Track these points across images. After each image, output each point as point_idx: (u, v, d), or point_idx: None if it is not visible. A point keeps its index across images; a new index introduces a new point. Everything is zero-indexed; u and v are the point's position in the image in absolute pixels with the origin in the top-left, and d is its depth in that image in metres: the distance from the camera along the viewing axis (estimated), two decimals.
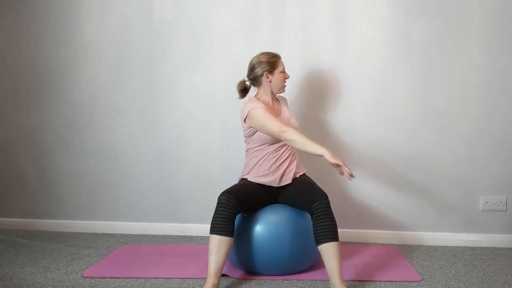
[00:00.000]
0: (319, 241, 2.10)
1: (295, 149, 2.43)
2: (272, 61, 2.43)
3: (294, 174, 2.42)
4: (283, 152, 2.40)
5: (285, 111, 2.51)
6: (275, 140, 2.33)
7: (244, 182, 2.40)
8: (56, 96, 3.23)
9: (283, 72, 2.46)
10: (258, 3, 2.99)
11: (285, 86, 2.50)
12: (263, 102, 2.43)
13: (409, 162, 2.89)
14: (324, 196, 2.16)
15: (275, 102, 2.52)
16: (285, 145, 2.38)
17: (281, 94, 2.57)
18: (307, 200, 2.19)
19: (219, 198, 2.18)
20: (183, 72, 3.09)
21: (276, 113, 2.44)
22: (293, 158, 2.44)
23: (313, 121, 2.95)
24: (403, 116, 2.88)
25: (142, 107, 3.14)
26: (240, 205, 2.18)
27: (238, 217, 2.29)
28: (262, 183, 2.38)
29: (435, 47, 2.83)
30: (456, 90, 2.83)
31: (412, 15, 2.84)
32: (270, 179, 2.38)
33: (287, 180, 2.40)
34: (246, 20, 3.01)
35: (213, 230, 2.13)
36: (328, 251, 2.07)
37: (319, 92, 2.96)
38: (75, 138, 3.22)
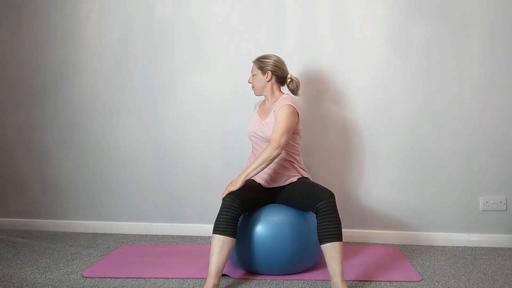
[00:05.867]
0: (322, 240, 2.09)
1: (291, 156, 2.43)
2: None
3: (290, 178, 2.41)
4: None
5: (270, 116, 2.43)
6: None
7: (247, 181, 2.40)
8: (56, 96, 3.22)
9: None
10: (258, 3, 2.99)
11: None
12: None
13: (409, 162, 2.89)
14: (330, 195, 2.15)
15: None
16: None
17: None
18: (312, 199, 2.17)
19: (224, 199, 2.19)
20: (183, 72, 3.09)
21: (266, 113, 2.46)
22: (283, 164, 2.41)
23: (313, 121, 2.95)
24: (403, 116, 2.88)
25: (142, 107, 3.14)
26: (243, 206, 2.19)
27: None
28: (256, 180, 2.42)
29: (435, 47, 2.83)
30: (456, 89, 2.83)
31: (412, 15, 2.84)
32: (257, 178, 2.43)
33: (276, 183, 2.41)
34: (246, 20, 3.01)
35: (216, 230, 2.13)
36: (331, 251, 2.07)
37: (319, 92, 2.96)
38: (75, 138, 3.22)
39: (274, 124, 2.32)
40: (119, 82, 3.15)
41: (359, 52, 2.91)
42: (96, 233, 3.18)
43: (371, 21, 2.89)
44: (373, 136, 2.91)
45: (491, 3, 2.77)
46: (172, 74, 3.10)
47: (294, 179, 2.41)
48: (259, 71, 2.45)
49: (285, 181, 2.41)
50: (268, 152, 2.23)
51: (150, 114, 3.13)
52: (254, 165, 2.24)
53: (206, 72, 3.06)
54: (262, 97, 2.57)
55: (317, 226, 2.13)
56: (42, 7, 3.19)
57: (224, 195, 2.21)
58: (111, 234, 3.16)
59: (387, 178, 2.92)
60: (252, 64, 2.50)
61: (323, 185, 2.28)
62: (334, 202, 2.14)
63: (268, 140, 2.33)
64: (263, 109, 2.51)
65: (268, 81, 2.45)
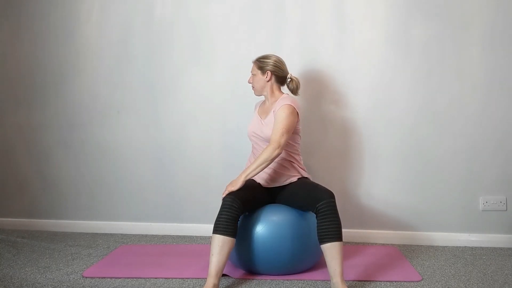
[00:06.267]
0: (322, 241, 2.10)
1: (290, 155, 2.43)
2: None
3: (290, 178, 2.41)
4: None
5: (270, 116, 2.44)
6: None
7: (247, 181, 2.40)
8: (56, 96, 3.22)
9: None
10: (258, 3, 2.99)
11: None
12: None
13: (409, 162, 2.89)
14: (330, 195, 2.16)
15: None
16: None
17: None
18: (312, 199, 2.18)
19: (224, 199, 2.19)
20: (183, 72, 3.09)
21: (266, 113, 2.46)
22: (283, 163, 2.41)
23: (313, 121, 2.95)
24: (403, 116, 2.88)
25: (142, 107, 3.14)
26: (243, 206, 2.19)
27: None
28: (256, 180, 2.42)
29: (435, 47, 2.83)
30: (456, 89, 2.83)
31: (412, 15, 2.84)
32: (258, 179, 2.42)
33: (275, 183, 2.41)
34: (246, 20, 3.01)
35: (216, 230, 2.13)
36: (331, 251, 2.07)
37: (319, 92, 2.96)
38: (75, 138, 3.22)
39: (274, 124, 2.32)
40: (119, 82, 3.15)
41: (359, 52, 2.91)
42: (96, 233, 3.17)
43: (371, 21, 2.89)
44: (373, 136, 2.91)
45: (491, 3, 2.77)
46: (172, 74, 3.10)
47: (294, 179, 2.42)
48: (259, 71, 2.45)
49: (285, 181, 2.41)
50: (268, 152, 2.23)
51: (150, 114, 3.13)
52: (254, 165, 2.24)
53: (206, 72, 3.06)
54: (262, 97, 2.57)
55: (317, 226, 2.13)
56: (42, 7, 3.19)
57: (224, 195, 2.21)
58: (111, 234, 3.16)
59: (387, 178, 2.92)
60: (252, 64, 2.50)
61: (323, 185, 2.28)
62: (334, 202, 2.14)
63: (268, 140, 2.33)
64: (263, 109, 2.51)
65: (268, 81, 2.45)
